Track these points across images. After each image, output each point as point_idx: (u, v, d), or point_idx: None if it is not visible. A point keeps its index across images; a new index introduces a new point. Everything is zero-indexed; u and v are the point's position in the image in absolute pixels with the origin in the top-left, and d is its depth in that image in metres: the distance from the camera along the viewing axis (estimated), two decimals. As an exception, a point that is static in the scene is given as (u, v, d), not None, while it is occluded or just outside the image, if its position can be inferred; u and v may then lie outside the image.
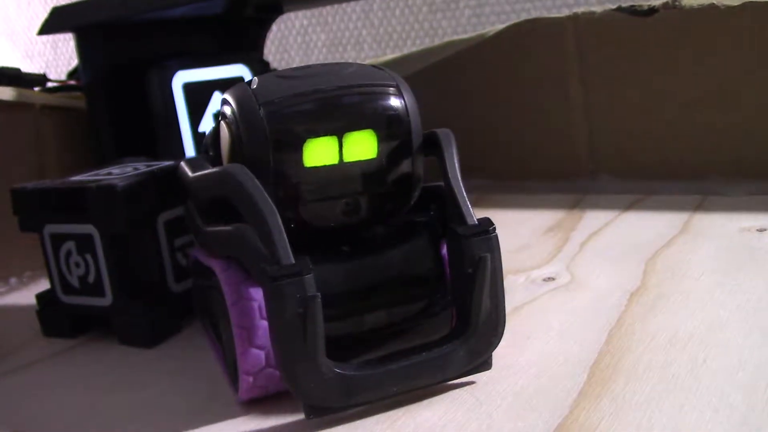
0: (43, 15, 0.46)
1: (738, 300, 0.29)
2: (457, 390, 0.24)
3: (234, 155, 0.25)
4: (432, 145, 0.25)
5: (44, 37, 0.41)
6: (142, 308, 0.31)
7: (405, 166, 0.25)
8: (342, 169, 0.24)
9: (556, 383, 0.24)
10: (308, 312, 0.21)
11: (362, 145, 0.24)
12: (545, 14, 0.73)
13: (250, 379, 0.24)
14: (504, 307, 0.24)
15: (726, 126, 0.45)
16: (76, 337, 0.34)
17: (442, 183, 0.25)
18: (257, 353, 0.23)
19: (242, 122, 0.24)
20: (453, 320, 0.25)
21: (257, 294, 0.23)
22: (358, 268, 0.24)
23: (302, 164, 0.23)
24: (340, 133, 0.23)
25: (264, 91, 0.24)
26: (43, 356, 0.32)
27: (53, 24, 0.45)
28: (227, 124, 0.25)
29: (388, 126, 0.24)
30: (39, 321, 0.34)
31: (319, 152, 0.23)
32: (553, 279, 0.33)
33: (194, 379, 0.28)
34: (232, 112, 0.24)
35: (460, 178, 0.24)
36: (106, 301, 0.32)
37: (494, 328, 0.24)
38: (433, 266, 0.25)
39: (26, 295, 0.40)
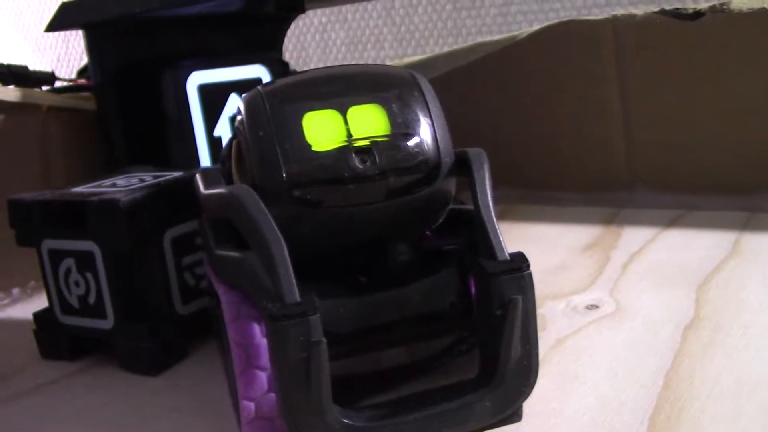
0: (54, 7, 0.43)
1: (807, 338, 0.26)
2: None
3: (240, 158, 0.23)
4: (462, 166, 0.22)
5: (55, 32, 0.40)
6: (146, 333, 0.28)
7: (423, 135, 0.22)
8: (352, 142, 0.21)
9: (612, 437, 0.21)
10: (312, 357, 0.18)
11: (369, 113, 0.21)
12: (574, 15, 0.70)
13: (252, 406, 0.21)
14: (537, 353, 0.21)
15: (775, 138, 0.42)
16: (75, 360, 0.31)
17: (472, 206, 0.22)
18: (259, 375, 0.21)
19: (245, 109, 0.22)
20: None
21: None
22: (376, 301, 0.22)
23: (306, 141, 0.21)
24: (343, 107, 0.21)
25: (270, 83, 0.23)
26: (41, 382, 0.30)
27: (62, 20, 0.43)
28: (236, 126, 0.23)
29: (397, 99, 0.22)
30: (36, 342, 0.32)
31: (323, 127, 0.21)
32: (597, 307, 0.30)
33: (199, 415, 0.25)
34: (240, 111, 0.22)
35: (491, 206, 0.22)
36: (108, 323, 0.29)
37: (525, 377, 0.21)
38: (459, 301, 0.23)
39: (29, 308, 0.38)
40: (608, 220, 0.43)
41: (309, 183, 0.21)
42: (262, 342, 0.21)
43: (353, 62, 0.85)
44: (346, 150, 0.21)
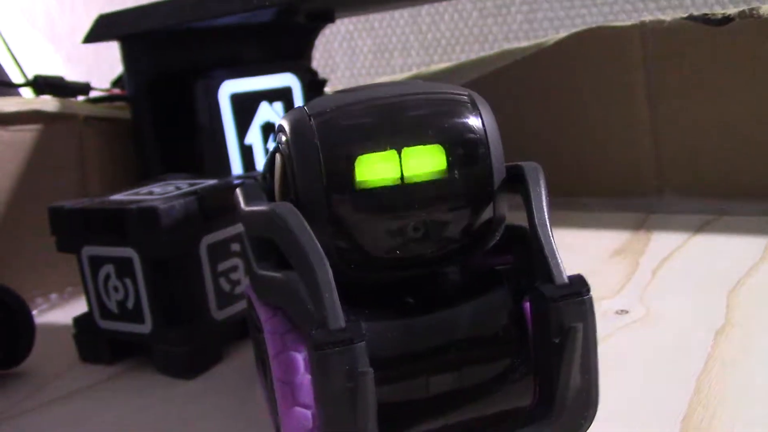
0: (86, 19, 0.44)
1: (840, 343, 0.26)
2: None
3: (284, 179, 0.22)
4: (516, 181, 0.21)
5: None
6: (182, 337, 0.29)
7: (481, 191, 0.21)
8: (404, 188, 0.20)
9: (643, 440, 0.21)
10: (358, 388, 0.17)
11: (427, 161, 0.20)
12: (602, 21, 0.70)
13: None
14: (597, 384, 0.20)
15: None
16: (114, 363, 0.32)
17: (527, 224, 0.21)
18: (303, 413, 0.20)
19: (292, 134, 0.21)
20: (535, 389, 0.21)
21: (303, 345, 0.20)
22: (424, 324, 0.20)
23: (356, 183, 0.20)
24: (399, 147, 0.20)
25: (317, 104, 0.21)
26: (80, 386, 0.30)
27: (98, 32, 0.44)
28: (279, 144, 0.22)
29: (458, 142, 0.20)
30: (76, 345, 0.33)
31: (376, 168, 0.20)
32: (627, 312, 0.31)
33: (234, 417, 0.26)
34: (284, 131, 0.21)
35: (549, 225, 0.20)
36: (146, 328, 0.30)
37: (584, 409, 0.20)
38: (512, 325, 0.21)
39: (67, 313, 0.39)
40: (637, 226, 0.43)
41: (355, 248, 0.20)
42: (306, 379, 0.20)
43: (380, 70, 0.85)
44: (401, 224, 0.20)
